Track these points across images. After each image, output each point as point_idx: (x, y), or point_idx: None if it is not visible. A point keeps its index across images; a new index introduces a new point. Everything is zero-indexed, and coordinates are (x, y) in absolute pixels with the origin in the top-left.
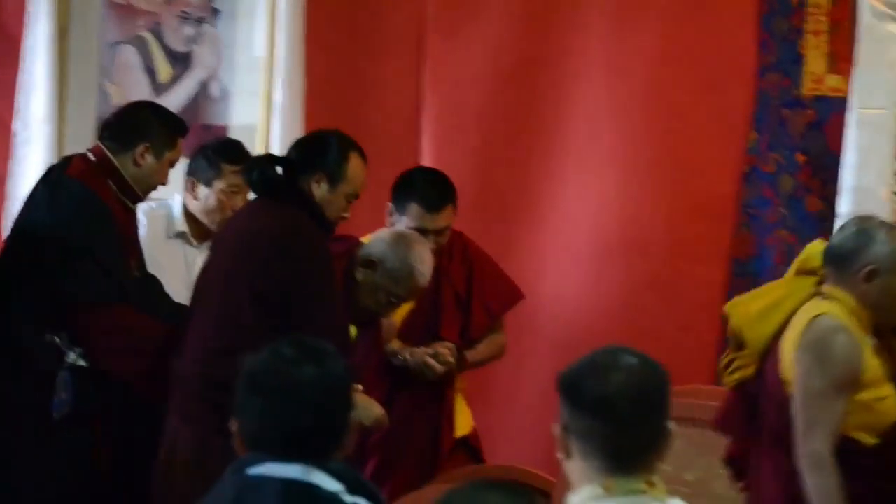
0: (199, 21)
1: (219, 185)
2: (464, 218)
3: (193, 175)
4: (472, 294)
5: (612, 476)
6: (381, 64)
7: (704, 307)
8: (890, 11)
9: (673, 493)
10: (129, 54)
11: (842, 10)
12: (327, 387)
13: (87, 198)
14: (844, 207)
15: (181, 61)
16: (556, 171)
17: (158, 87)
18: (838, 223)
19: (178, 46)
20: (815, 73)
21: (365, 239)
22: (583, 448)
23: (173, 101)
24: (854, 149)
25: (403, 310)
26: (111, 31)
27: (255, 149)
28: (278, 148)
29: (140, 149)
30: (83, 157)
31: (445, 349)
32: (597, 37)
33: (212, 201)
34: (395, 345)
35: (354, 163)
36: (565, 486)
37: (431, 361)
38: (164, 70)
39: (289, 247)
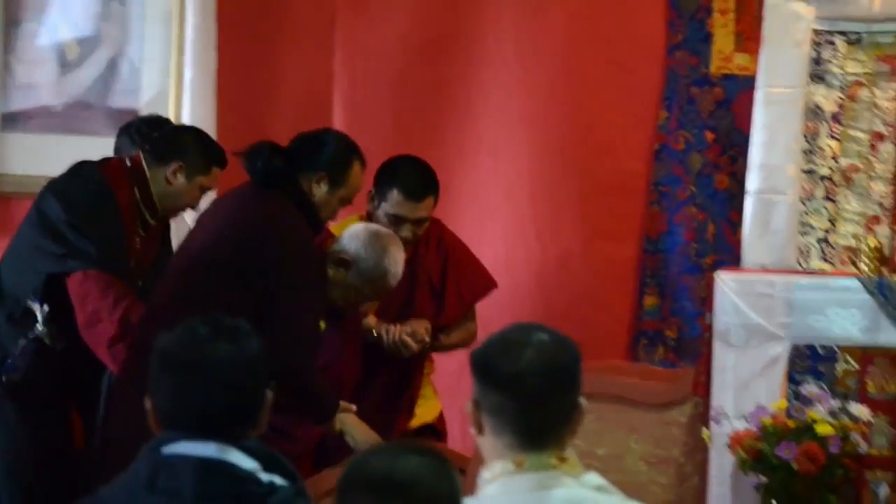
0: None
1: (200, 180)
2: None
3: (181, 160)
4: (446, 282)
5: (523, 452)
6: (292, 39)
7: (616, 284)
8: None
9: (584, 468)
10: (34, 32)
11: None
12: (242, 365)
13: (101, 189)
14: (753, 185)
15: (89, 39)
16: (467, 149)
17: (66, 65)
18: (748, 201)
19: (86, 24)
20: (722, 51)
21: (333, 228)
22: (494, 424)
23: (81, 79)
24: (762, 126)
25: None
26: (17, 9)
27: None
28: (190, 123)
29: (173, 166)
30: (121, 160)
31: (422, 327)
32: (508, 15)
33: (183, 194)
34: (371, 321)
35: (356, 170)
36: (479, 462)
37: (408, 339)
38: (71, 48)
39: (280, 237)
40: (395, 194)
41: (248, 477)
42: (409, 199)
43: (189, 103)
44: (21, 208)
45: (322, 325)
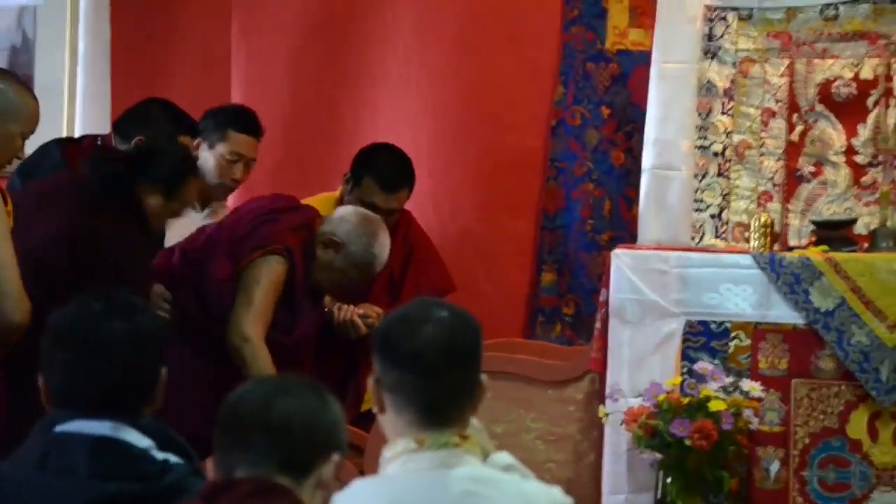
0: None
1: (220, 149)
2: (272, 170)
3: (199, 135)
4: (405, 275)
5: (424, 430)
6: (189, 11)
7: (515, 260)
8: None
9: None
10: None
11: None
12: (136, 342)
13: (56, 166)
14: (648, 161)
15: None
16: (365, 126)
17: None
18: (643, 177)
19: None
20: (618, 27)
21: (311, 201)
22: (395, 402)
23: None
24: (656, 102)
25: None
26: None
27: (63, 99)
28: (83, 98)
29: (135, 140)
30: (94, 137)
31: (374, 311)
32: None
33: (210, 164)
34: (326, 299)
35: (191, 185)
36: (380, 440)
37: (358, 320)
38: None
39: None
40: (369, 183)
41: (143, 455)
42: (383, 190)
43: (83, 77)
44: None
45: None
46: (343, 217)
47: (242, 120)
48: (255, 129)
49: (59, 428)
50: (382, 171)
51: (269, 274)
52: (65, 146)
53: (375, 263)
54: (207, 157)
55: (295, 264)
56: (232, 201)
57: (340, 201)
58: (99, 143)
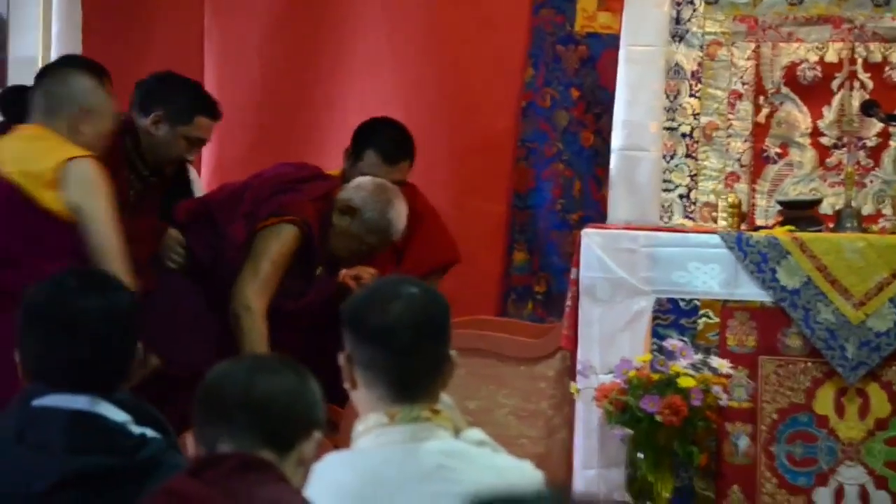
0: None
1: (184, 130)
2: (246, 151)
3: (162, 109)
4: (408, 244)
5: (395, 404)
6: (163, 10)
7: (487, 240)
8: None
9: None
10: None
11: None
12: (111, 317)
13: None
14: (617, 142)
15: None
16: (337, 108)
17: None
18: (612, 157)
19: None
20: (586, 10)
21: (333, 172)
22: (367, 377)
23: None
24: (625, 84)
25: None
26: None
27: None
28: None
29: (153, 117)
30: (119, 114)
31: (367, 273)
32: None
33: (168, 141)
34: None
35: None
36: (354, 415)
37: (351, 282)
38: None
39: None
40: (370, 155)
41: (119, 429)
42: (385, 163)
43: (55, 54)
44: None
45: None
46: (359, 185)
47: (210, 106)
48: (218, 114)
49: (36, 402)
50: (383, 143)
51: (279, 244)
52: None
53: (391, 229)
54: (167, 134)
55: (312, 235)
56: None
57: (343, 178)
58: (122, 118)
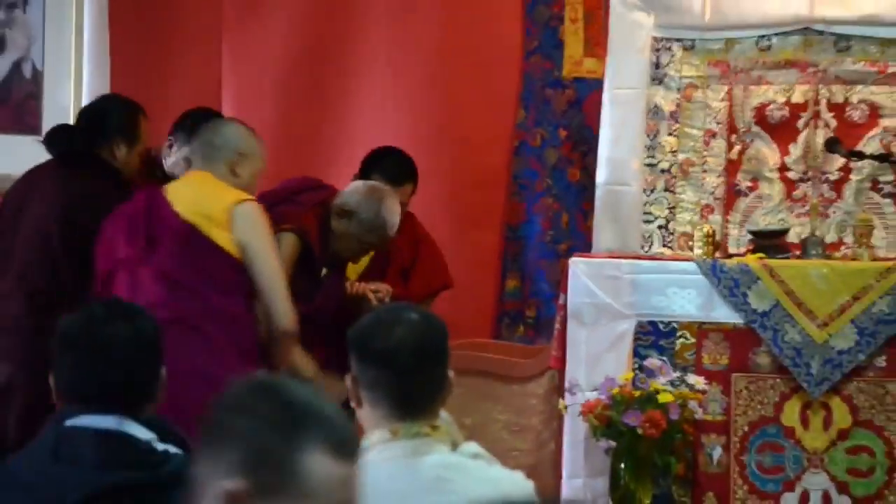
0: (11, 7)
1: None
2: (259, 188)
3: (173, 136)
4: (414, 268)
5: (398, 421)
6: (183, 44)
7: (483, 268)
8: (636, 3)
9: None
10: None
11: (595, 0)
12: (137, 344)
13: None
14: (602, 177)
15: None
16: (344, 150)
17: None
18: (597, 192)
19: None
20: (573, 56)
21: None
22: (371, 397)
23: None
24: (609, 124)
25: (361, 266)
26: None
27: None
28: None
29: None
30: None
31: (384, 288)
32: (383, 24)
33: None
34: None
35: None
36: (360, 432)
37: (371, 294)
38: None
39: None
40: (377, 178)
41: (145, 447)
42: (390, 184)
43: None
44: None
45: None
46: (353, 189)
47: None
48: None
49: (69, 422)
50: (389, 167)
51: (281, 251)
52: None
53: (387, 226)
54: (179, 158)
55: (309, 240)
56: None
57: None
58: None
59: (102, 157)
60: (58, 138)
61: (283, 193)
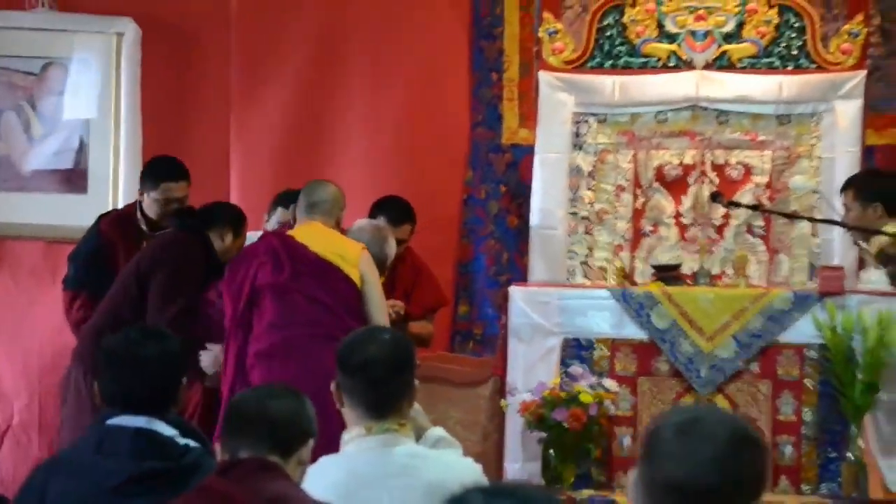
0: (61, 93)
1: (153, 195)
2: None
3: (141, 184)
4: (415, 289)
5: (372, 420)
6: (199, 117)
7: None
8: (560, 84)
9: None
10: (12, 118)
11: (527, 83)
12: (164, 360)
13: (93, 233)
14: (534, 223)
15: (49, 122)
16: None
17: (33, 142)
18: (531, 235)
19: (47, 112)
20: (511, 127)
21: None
22: (350, 400)
23: (45, 150)
24: (539, 181)
25: None
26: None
27: (109, 186)
28: (123, 181)
29: (139, 189)
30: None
31: (399, 304)
32: (359, 101)
33: (148, 207)
34: None
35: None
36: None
37: (389, 309)
38: (37, 129)
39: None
40: (380, 219)
41: (170, 441)
42: (391, 224)
43: (123, 169)
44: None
45: None
46: (361, 227)
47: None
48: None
49: (109, 422)
50: (390, 210)
51: None
52: (100, 218)
53: (388, 260)
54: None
55: None
56: None
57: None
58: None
59: (209, 237)
60: (183, 215)
61: None
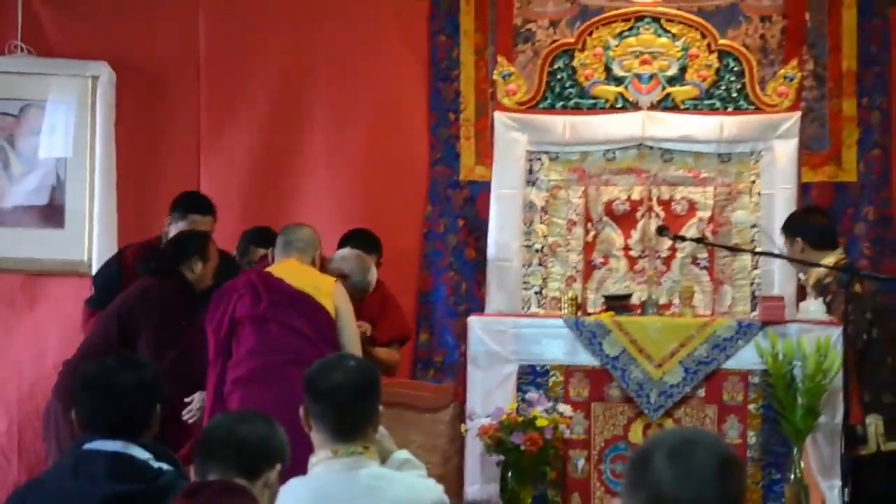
0: (39, 133)
1: (180, 225)
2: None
3: (170, 214)
4: (380, 320)
5: (338, 443)
6: (170, 158)
7: None
8: (513, 124)
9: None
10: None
11: (483, 122)
12: (139, 387)
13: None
14: (491, 255)
15: (28, 161)
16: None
17: (12, 179)
18: (488, 267)
19: (26, 151)
20: (468, 164)
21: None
22: (317, 424)
23: (23, 188)
24: (495, 215)
25: None
26: None
27: (85, 221)
28: (98, 216)
29: (167, 220)
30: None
31: (365, 326)
32: (323, 138)
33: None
34: None
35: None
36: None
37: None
38: (16, 167)
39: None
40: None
41: (144, 465)
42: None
43: (98, 204)
44: None
45: None
46: (344, 257)
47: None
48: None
49: (86, 446)
50: (358, 241)
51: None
52: (126, 247)
53: (370, 287)
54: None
55: None
56: None
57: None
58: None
59: (181, 271)
60: (149, 259)
61: None
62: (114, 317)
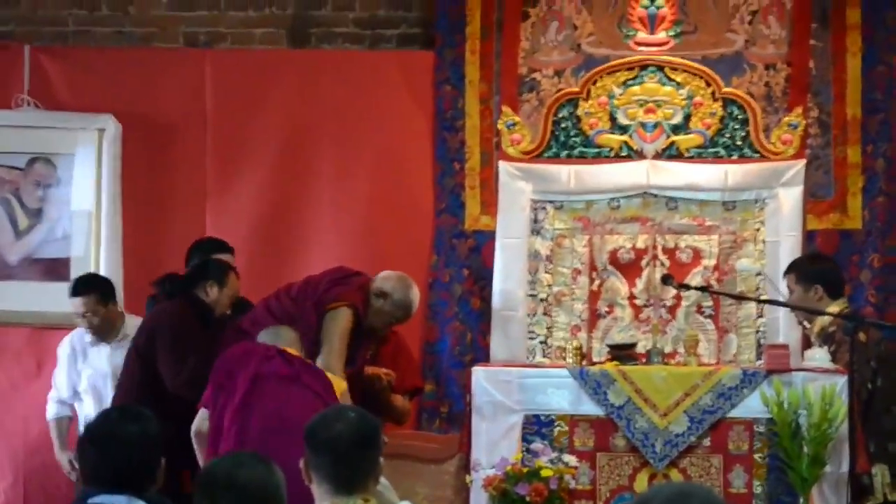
0: (47, 186)
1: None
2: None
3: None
4: (393, 370)
5: (338, 496)
6: (176, 209)
7: None
8: (518, 174)
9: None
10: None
11: (488, 172)
12: (143, 440)
13: None
14: (496, 305)
15: (35, 215)
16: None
17: (19, 233)
18: (493, 317)
19: (33, 204)
20: (473, 214)
21: None
22: (317, 476)
23: (30, 242)
24: (500, 265)
25: None
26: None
27: (91, 269)
28: (104, 269)
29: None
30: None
31: (390, 373)
32: (329, 188)
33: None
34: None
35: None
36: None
37: (382, 374)
38: (23, 221)
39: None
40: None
41: None
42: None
43: (104, 258)
44: None
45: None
46: (387, 276)
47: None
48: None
49: (91, 500)
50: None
51: (342, 322)
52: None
53: (412, 306)
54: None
55: (361, 315)
56: None
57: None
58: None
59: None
60: (163, 282)
61: (336, 277)
62: (131, 350)
